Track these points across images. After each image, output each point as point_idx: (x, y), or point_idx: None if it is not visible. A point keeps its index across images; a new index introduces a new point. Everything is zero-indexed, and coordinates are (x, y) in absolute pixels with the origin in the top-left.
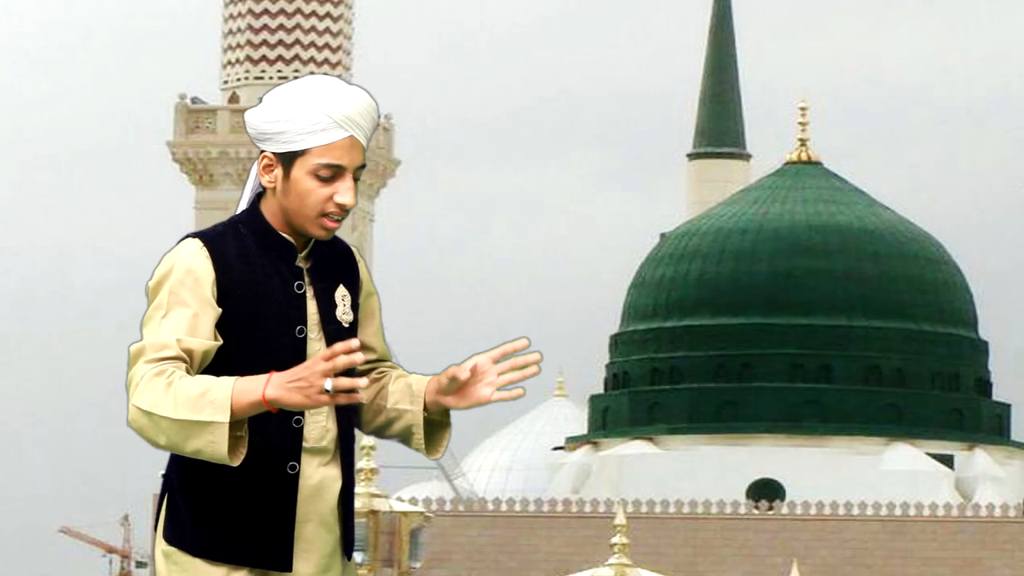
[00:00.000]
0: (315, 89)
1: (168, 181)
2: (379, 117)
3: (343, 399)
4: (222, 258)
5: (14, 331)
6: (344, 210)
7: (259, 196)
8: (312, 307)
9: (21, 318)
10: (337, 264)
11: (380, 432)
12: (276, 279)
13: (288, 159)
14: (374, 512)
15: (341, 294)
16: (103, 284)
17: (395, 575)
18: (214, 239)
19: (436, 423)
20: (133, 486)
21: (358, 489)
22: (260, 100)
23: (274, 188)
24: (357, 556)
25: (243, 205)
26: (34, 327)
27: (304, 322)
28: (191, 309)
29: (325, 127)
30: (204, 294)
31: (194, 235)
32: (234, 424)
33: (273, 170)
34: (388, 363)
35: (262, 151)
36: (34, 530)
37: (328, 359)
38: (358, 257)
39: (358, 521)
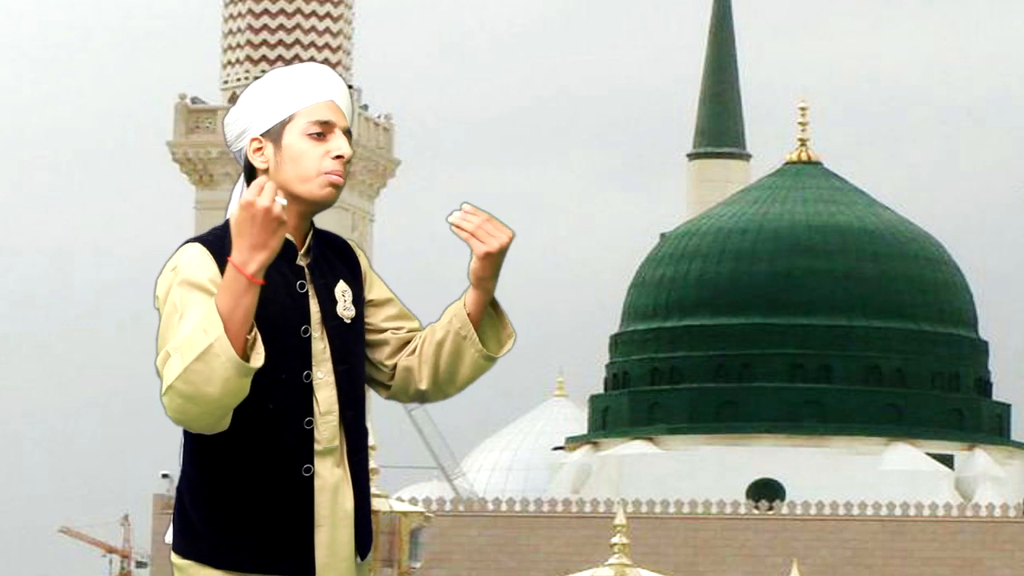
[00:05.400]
0: (287, 71)
1: (168, 181)
2: (354, 103)
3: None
4: (224, 261)
5: (14, 331)
6: (343, 164)
7: None
8: (314, 305)
9: (21, 318)
10: (336, 260)
11: (450, 374)
12: (278, 279)
13: (276, 133)
14: (374, 512)
15: (341, 290)
16: (103, 284)
17: (395, 575)
18: (213, 242)
19: (489, 323)
20: (133, 486)
21: None
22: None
23: (267, 168)
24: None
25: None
26: (34, 327)
27: (308, 321)
28: (205, 304)
29: (306, 91)
30: (213, 290)
31: (193, 240)
32: (240, 331)
33: (263, 150)
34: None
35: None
36: (34, 530)
37: (250, 197)
38: (357, 249)
39: None
